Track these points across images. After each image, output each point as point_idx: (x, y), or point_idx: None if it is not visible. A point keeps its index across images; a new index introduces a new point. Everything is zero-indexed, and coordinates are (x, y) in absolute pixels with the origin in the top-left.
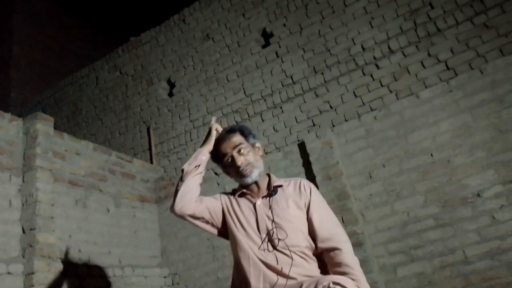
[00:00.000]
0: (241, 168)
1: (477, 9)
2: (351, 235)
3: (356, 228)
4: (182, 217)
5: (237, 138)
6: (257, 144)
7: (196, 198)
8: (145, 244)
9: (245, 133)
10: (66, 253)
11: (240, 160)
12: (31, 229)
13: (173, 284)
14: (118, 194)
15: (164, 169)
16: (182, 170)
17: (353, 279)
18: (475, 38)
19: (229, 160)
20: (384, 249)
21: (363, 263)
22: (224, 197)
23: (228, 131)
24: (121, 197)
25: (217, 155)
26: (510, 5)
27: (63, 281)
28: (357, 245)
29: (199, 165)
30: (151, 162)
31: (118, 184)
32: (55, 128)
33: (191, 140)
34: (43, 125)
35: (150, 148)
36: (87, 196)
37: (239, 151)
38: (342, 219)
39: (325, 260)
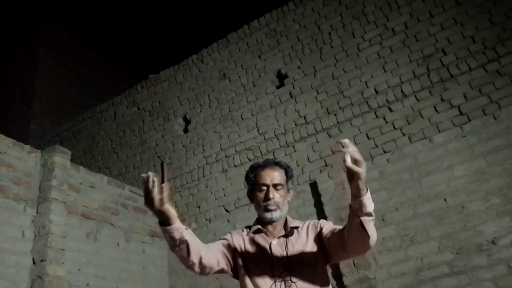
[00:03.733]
0: (269, 201)
1: (489, 56)
2: (363, 280)
3: (368, 273)
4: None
5: (280, 175)
6: (291, 191)
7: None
8: (153, 280)
9: (288, 175)
10: (75, 287)
11: (273, 195)
12: (42, 261)
13: None
14: (129, 229)
15: (175, 204)
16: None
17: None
18: (488, 84)
19: (264, 188)
20: None
21: None
22: (237, 236)
23: (276, 163)
24: (132, 231)
25: (254, 178)
26: None
27: None
28: None
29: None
30: None
31: (129, 218)
32: (71, 160)
33: (204, 176)
34: (61, 158)
35: (163, 183)
36: (99, 229)
37: (276, 187)
38: (354, 263)
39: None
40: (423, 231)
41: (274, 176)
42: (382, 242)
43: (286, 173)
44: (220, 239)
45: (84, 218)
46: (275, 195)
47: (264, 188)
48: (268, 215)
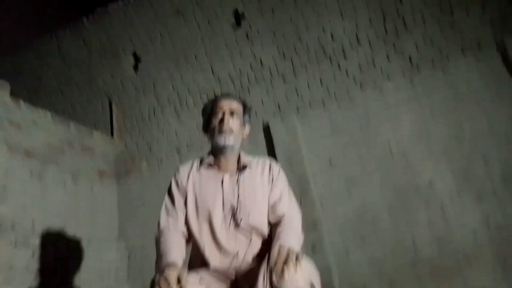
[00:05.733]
0: (225, 127)
1: (444, 10)
2: (307, 218)
3: (313, 212)
4: None
5: (238, 107)
6: (247, 125)
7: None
8: (102, 221)
9: (246, 110)
10: (19, 224)
11: (229, 120)
12: None
13: (129, 259)
14: (76, 168)
15: (125, 144)
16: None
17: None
18: (440, 38)
19: (220, 114)
20: (338, 234)
21: (317, 246)
22: (184, 173)
23: (235, 97)
24: (79, 171)
25: (211, 108)
26: (475, 9)
27: (14, 251)
28: (312, 228)
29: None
30: (112, 137)
31: (76, 158)
32: (12, 96)
33: (155, 117)
34: None
35: (111, 123)
36: (43, 168)
37: (232, 115)
38: (301, 202)
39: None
40: (367, 174)
41: (232, 104)
42: (328, 184)
43: (244, 107)
44: (170, 189)
45: (26, 156)
46: (231, 121)
47: (220, 114)
48: (221, 138)
